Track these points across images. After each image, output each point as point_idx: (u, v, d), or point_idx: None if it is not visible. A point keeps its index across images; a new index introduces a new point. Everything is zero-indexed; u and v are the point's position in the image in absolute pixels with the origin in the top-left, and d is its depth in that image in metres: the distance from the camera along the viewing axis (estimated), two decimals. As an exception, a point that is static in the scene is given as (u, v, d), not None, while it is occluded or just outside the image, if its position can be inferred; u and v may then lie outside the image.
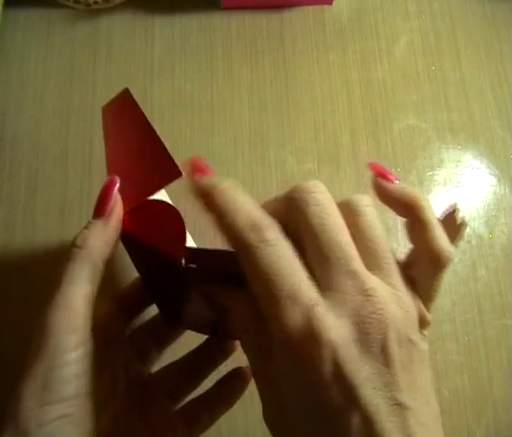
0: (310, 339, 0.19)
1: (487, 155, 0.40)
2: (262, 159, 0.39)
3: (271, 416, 0.22)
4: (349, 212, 0.23)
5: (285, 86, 0.40)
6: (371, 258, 0.22)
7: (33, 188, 0.37)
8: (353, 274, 0.21)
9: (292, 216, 0.22)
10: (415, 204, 0.23)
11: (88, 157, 0.38)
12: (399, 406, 0.19)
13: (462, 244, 0.37)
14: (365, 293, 0.20)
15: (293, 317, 0.20)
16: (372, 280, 0.21)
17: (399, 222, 0.37)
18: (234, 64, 0.41)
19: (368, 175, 0.40)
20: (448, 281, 0.36)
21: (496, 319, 0.36)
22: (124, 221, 0.26)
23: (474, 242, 0.37)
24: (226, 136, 0.39)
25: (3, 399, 0.32)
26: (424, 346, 0.21)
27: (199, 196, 0.23)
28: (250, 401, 0.33)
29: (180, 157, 0.39)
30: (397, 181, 0.25)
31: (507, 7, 0.44)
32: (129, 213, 0.26)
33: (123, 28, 0.41)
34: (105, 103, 0.37)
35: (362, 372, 0.19)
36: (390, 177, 0.25)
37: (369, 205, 0.23)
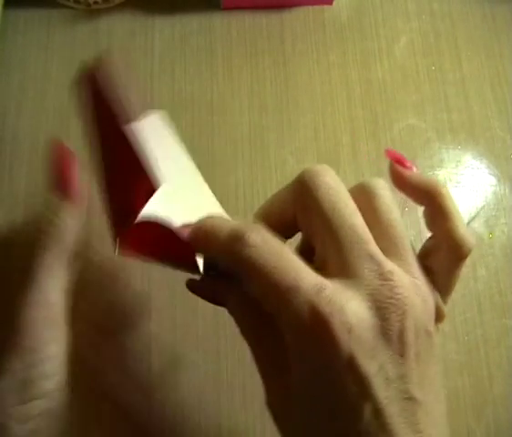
0: (320, 325, 0.18)
1: (487, 155, 0.40)
2: (262, 159, 0.39)
3: (275, 405, 0.21)
4: (363, 196, 0.22)
5: (285, 87, 0.40)
6: (388, 243, 0.20)
7: (33, 188, 0.37)
8: (370, 257, 0.19)
9: (302, 202, 0.21)
10: (436, 191, 0.22)
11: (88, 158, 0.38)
12: (411, 400, 0.18)
13: (462, 244, 0.37)
14: (383, 277, 0.19)
15: (298, 307, 0.18)
16: (389, 264, 0.20)
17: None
18: (234, 64, 0.41)
19: (368, 175, 0.40)
20: (448, 281, 0.36)
21: (496, 318, 0.36)
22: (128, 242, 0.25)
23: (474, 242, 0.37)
24: (226, 136, 0.39)
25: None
26: (437, 340, 0.20)
27: (195, 247, 0.23)
28: (251, 399, 0.33)
29: (180, 158, 0.39)
30: (414, 168, 0.24)
31: (507, 8, 0.44)
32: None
33: (123, 28, 0.41)
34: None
35: (376, 361, 0.18)
36: (407, 163, 0.24)
37: (385, 188, 0.22)
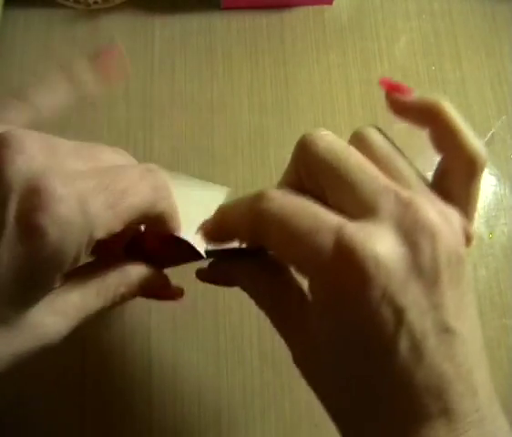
0: (346, 261, 0.17)
1: (487, 155, 0.40)
2: (262, 159, 0.39)
3: (303, 360, 0.20)
4: (360, 143, 0.22)
5: (285, 86, 0.40)
6: (397, 180, 0.20)
7: (33, 188, 0.37)
8: (385, 189, 0.18)
9: (305, 163, 0.21)
10: (439, 109, 0.21)
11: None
12: (448, 332, 0.18)
13: (462, 244, 0.37)
14: (404, 203, 0.18)
15: (322, 245, 0.18)
16: (406, 191, 0.18)
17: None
18: (234, 64, 0.41)
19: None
20: (448, 281, 0.36)
21: (496, 319, 0.36)
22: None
23: (474, 242, 0.37)
24: (226, 136, 0.39)
25: (3, 398, 0.32)
26: (468, 265, 0.19)
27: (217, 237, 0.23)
28: (251, 399, 0.33)
29: (180, 157, 0.39)
30: (412, 93, 0.23)
31: (508, 7, 0.44)
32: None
33: (123, 28, 0.41)
34: (104, 102, 0.37)
35: (409, 292, 0.17)
36: (404, 89, 0.24)
37: (378, 133, 0.22)
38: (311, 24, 0.42)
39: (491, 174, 0.39)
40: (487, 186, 0.39)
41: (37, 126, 0.24)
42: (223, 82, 0.40)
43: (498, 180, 0.39)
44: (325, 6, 0.43)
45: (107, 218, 0.18)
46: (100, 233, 0.18)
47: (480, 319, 0.35)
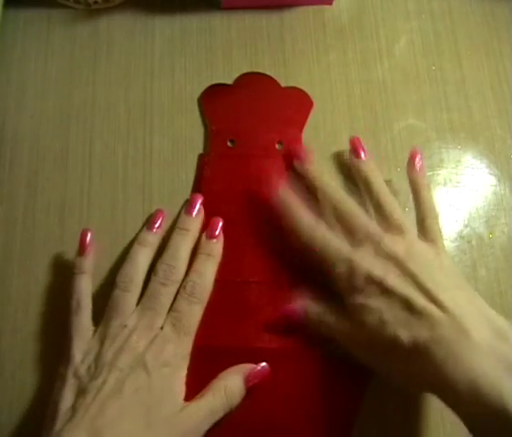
0: (350, 268, 0.31)
1: (487, 155, 0.40)
2: (262, 159, 0.39)
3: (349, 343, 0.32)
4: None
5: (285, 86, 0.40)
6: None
7: (33, 188, 0.37)
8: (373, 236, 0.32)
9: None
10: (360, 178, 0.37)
11: (88, 157, 0.38)
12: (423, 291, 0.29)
13: (462, 244, 0.37)
14: (378, 241, 0.32)
15: (341, 265, 0.32)
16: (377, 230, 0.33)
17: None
18: (234, 63, 0.41)
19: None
20: (448, 281, 0.36)
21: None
22: None
23: (474, 242, 0.37)
24: (226, 136, 0.39)
25: (3, 397, 0.32)
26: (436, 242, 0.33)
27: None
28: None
29: (180, 157, 0.39)
30: (363, 155, 0.36)
31: (508, 7, 0.44)
32: None
33: (123, 28, 0.41)
34: (104, 102, 0.37)
35: (384, 270, 0.31)
36: (360, 151, 0.37)
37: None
38: (311, 24, 0.42)
39: (491, 174, 0.39)
40: (487, 186, 0.39)
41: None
42: (223, 82, 0.40)
43: (498, 180, 0.39)
44: (325, 6, 0.43)
45: None
46: None
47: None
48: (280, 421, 0.32)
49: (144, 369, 0.29)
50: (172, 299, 0.32)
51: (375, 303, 0.29)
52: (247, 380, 0.31)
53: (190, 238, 0.34)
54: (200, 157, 0.38)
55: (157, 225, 0.35)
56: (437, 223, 0.34)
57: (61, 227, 0.36)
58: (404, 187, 0.38)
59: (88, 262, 0.34)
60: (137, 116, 0.39)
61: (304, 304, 0.33)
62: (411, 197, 0.38)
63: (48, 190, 0.37)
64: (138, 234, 0.35)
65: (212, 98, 0.39)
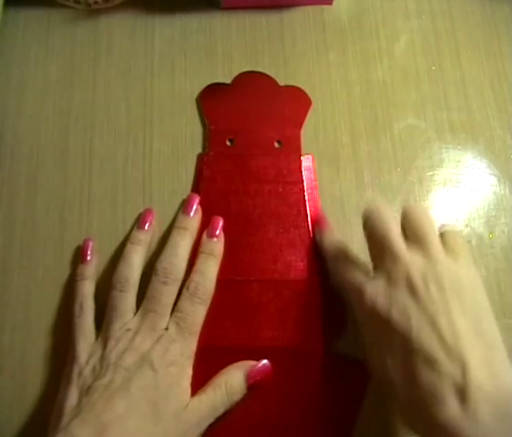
0: (360, 301, 0.29)
1: (487, 155, 0.40)
2: (262, 159, 0.39)
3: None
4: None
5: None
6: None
7: (33, 188, 0.37)
8: (393, 252, 0.29)
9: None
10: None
11: (88, 157, 0.38)
12: (430, 323, 0.26)
13: (462, 244, 0.37)
14: (396, 257, 0.29)
15: (352, 295, 0.30)
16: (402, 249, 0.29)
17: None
18: (234, 63, 0.41)
19: (368, 175, 0.40)
20: (448, 281, 0.36)
21: (496, 318, 0.35)
22: None
23: (474, 242, 0.37)
24: (226, 136, 0.39)
25: (3, 397, 0.32)
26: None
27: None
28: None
29: (180, 157, 0.39)
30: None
31: (508, 7, 0.44)
32: None
33: (123, 28, 0.41)
34: (104, 103, 0.37)
35: (391, 302, 0.27)
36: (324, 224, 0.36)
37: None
38: (311, 24, 0.42)
39: (491, 174, 0.39)
40: (487, 186, 0.39)
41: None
42: (223, 81, 0.40)
43: (498, 180, 0.39)
44: (325, 6, 0.43)
45: None
46: None
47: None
48: (281, 420, 0.32)
49: (150, 367, 0.29)
50: (174, 298, 0.32)
51: (379, 346, 0.28)
52: (248, 376, 0.31)
53: (189, 237, 0.34)
54: (200, 156, 0.38)
55: (147, 223, 0.35)
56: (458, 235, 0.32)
57: (61, 227, 0.36)
58: (404, 187, 0.38)
59: (90, 269, 0.34)
60: (137, 117, 0.39)
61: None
62: (411, 197, 0.38)
63: (48, 190, 0.37)
64: (129, 234, 0.36)
65: (211, 98, 0.39)
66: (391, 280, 0.28)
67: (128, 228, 0.36)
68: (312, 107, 0.40)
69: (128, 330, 0.31)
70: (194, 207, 0.35)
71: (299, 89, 0.40)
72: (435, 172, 0.39)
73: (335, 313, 0.34)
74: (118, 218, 0.37)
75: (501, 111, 0.41)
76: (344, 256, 0.32)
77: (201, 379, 0.32)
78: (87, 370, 0.30)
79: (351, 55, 0.42)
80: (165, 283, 0.32)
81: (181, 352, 0.30)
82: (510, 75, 0.42)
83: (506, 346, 0.35)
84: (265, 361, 0.33)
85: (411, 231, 0.30)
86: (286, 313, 0.34)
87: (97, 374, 0.29)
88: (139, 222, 0.35)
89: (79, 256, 0.35)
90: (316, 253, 0.35)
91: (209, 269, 0.33)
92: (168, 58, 0.41)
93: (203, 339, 0.33)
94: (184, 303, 0.32)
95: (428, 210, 0.32)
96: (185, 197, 0.37)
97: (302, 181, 0.37)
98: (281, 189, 0.37)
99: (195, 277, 0.33)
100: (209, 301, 0.33)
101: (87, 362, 0.30)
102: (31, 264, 0.35)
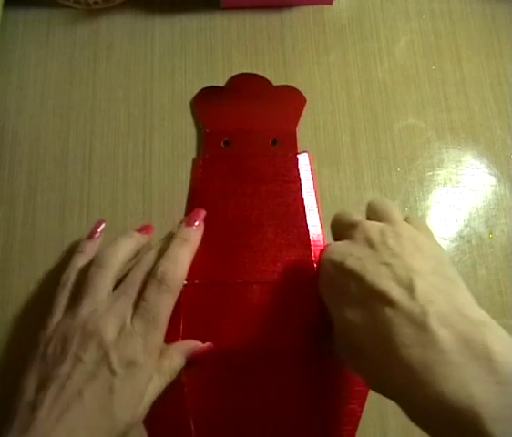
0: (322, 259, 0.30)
1: (487, 155, 0.40)
2: (262, 159, 0.39)
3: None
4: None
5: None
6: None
7: (33, 188, 0.37)
8: (356, 224, 0.29)
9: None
10: None
11: (88, 157, 0.38)
12: (384, 264, 0.26)
13: (462, 244, 0.37)
14: (358, 223, 0.30)
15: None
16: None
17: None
18: (234, 64, 0.41)
19: (368, 175, 0.40)
20: (448, 281, 0.36)
21: (496, 319, 0.35)
22: None
23: (474, 242, 0.37)
24: (226, 136, 0.39)
25: (2, 397, 0.32)
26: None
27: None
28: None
29: (180, 157, 0.39)
30: None
31: (508, 8, 0.44)
32: None
33: (123, 28, 0.41)
34: (104, 103, 0.37)
35: (348, 254, 0.28)
36: None
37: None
38: (311, 24, 0.42)
39: (491, 174, 0.39)
40: (487, 186, 0.39)
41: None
42: (223, 82, 0.40)
43: (498, 180, 0.39)
44: (325, 6, 0.43)
45: None
46: None
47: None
48: (280, 421, 0.32)
49: (108, 368, 0.28)
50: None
51: (336, 290, 0.28)
52: (190, 358, 0.32)
53: (189, 248, 0.32)
54: (195, 160, 0.38)
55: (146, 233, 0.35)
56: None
57: (61, 227, 0.36)
58: (404, 187, 0.38)
59: (92, 246, 0.34)
60: (136, 117, 0.39)
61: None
62: (411, 197, 0.38)
63: (48, 190, 0.37)
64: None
65: (204, 101, 0.39)
66: (350, 240, 0.29)
67: (127, 228, 0.36)
68: (310, 107, 0.40)
69: (96, 310, 0.29)
70: (198, 221, 0.34)
71: (293, 88, 0.40)
72: (435, 172, 0.39)
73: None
74: (118, 218, 0.37)
75: (501, 111, 0.41)
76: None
77: (206, 382, 0.32)
78: (50, 350, 0.29)
79: (351, 56, 0.42)
80: (160, 282, 0.30)
81: (144, 349, 0.29)
82: (510, 75, 0.42)
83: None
84: (209, 344, 0.33)
85: (375, 214, 0.30)
86: (286, 314, 0.34)
87: (57, 358, 0.28)
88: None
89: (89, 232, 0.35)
90: (315, 253, 0.35)
91: (182, 256, 0.31)
92: (167, 59, 0.41)
93: (204, 341, 0.33)
94: (150, 292, 0.29)
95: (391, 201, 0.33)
96: (185, 197, 0.37)
97: (300, 179, 0.37)
98: (278, 189, 0.37)
99: (164, 261, 0.30)
100: (177, 291, 0.31)
101: (51, 339, 0.29)
102: (31, 264, 0.35)
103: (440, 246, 0.29)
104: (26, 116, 0.39)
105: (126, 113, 0.39)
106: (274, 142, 0.38)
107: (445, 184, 0.39)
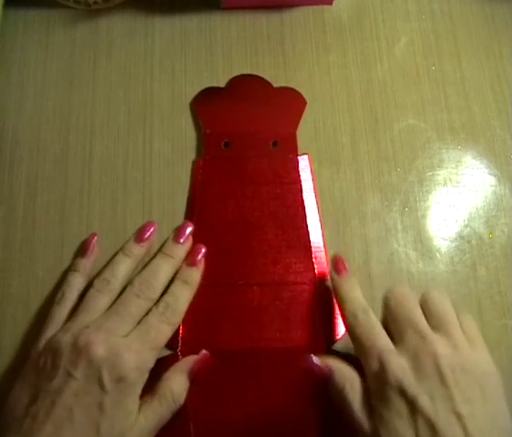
0: (382, 371, 0.28)
1: (487, 155, 0.40)
2: (262, 159, 0.39)
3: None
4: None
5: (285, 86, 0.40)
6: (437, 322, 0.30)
7: (33, 188, 0.37)
8: (418, 331, 0.29)
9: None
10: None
11: (88, 158, 0.38)
12: (456, 414, 0.26)
13: (462, 244, 0.37)
14: (422, 337, 0.29)
15: (372, 362, 0.29)
16: (429, 331, 0.29)
17: (399, 223, 0.37)
18: (234, 64, 0.41)
19: (368, 175, 0.40)
20: (448, 281, 0.36)
21: (496, 319, 0.36)
22: None
23: (474, 242, 0.37)
24: (226, 136, 0.39)
25: (2, 397, 0.32)
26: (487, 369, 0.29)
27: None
28: (251, 401, 0.32)
29: (180, 157, 0.39)
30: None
31: (507, 8, 0.44)
32: None
33: (123, 28, 0.41)
34: (104, 103, 0.37)
35: (419, 387, 0.27)
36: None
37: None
38: (311, 24, 0.42)
39: (491, 174, 0.39)
40: (487, 186, 0.39)
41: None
42: (223, 82, 0.40)
43: (498, 180, 0.39)
44: (325, 6, 0.43)
45: None
46: None
47: (480, 318, 0.35)
48: (284, 419, 0.32)
49: (98, 384, 0.28)
50: (142, 314, 0.32)
51: (399, 425, 0.27)
52: (191, 373, 0.31)
53: (172, 265, 0.34)
54: (195, 161, 0.38)
55: (145, 237, 0.35)
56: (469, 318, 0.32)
57: (61, 227, 0.36)
58: (404, 187, 0.38)
59: (85, 264, 0.34)
60: (137, 117, 0.39)
61: (332, 366, 0.31)
62: (411, 197, 0.38)
63: (48, 190, 0.37)
64: (124, 244, 0.35)
65: (204, 103, 0.39)
66: (418, 362, 0.28)
67: (127, 228, 0.36)
68: (310, 107, 0.40)
69: (87, 327, 0.30)
70: (185, 236, 0.35)
71: (293, 90, 0.40)
72: (435, 172, 0.39)
73: (335, 313, 0.34)
74: (118, 218, 0.37)
75: (501, 111, 0.41)
76: (366, 316, 0.31)
77: (206, 382, 0.32)
78: (41, 365, 0.29)
79: (351, 56, 0.42)
80: (138, 296, 0.32)
81: (136, 366, 0.29)
82: (510, 75, 0.42)
83: (505, 346, 0.35)
84: (204, 352, 0.32)
85: (433, 317, 0.30)
86: (287, 315, 0.34)
87: (47, 373, 0.28)
88: (138, 235, 0.35)
89: (81, 248, 0.35)
90: (315, 254, 0.35)
91: (183, 296, 0.33)
92: (167, 59, 0.41)
93: (205, 343, 0.33)
94: (151, 318, 0.31)
95: (446, 296, 0.31)
96: (185, 197, 0.37)
97: (300, 181, 0.37)
98: (278, 190, 0.37)
99: (167, 297, 0.32)
100: (176, 326, 0.32)
101: (43, 353, 0.29)
102: (31, 264, 0.35)
103: (494, 368, 0.30)
104: (26, 116, 0.39)
105: (126, 112, 0.39)
106: (274, 144, 0.38)
107: (445, 184, 0.39)
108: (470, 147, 0.40)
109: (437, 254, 0.37)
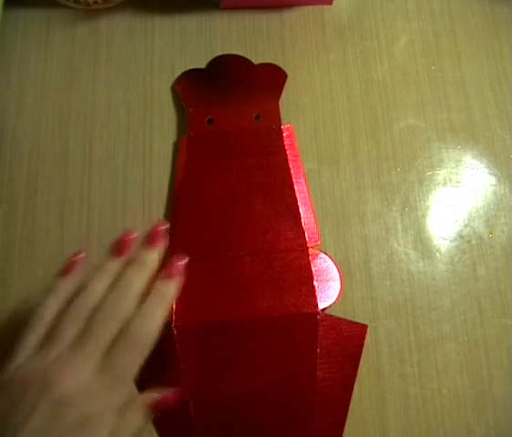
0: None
1: (487, 155, 0.40)
2: (262, 159, 0.39)
3: None
4: None
5: (285, 86, 0.40)
6: None
7: (33, 188, 0.37)
8: None
9: None
10: None
11: (88, 157, 0.38)
12: None
13: (462, 244, 0.37)
14: None
15: None
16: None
17: (399, 222, 0.37)
18: (234, 64, 0.41)
19: (368, 175, 0.40)
20: (448, 281, 0.36)
21: (496, 319, 0.36)
22: None
23: (474, 242, 0.37)
24: (226, 136, 0.39)
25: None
26: None
27: None
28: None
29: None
30: None
31: (507, 8, 0.44)
32: None
33: (123, 28, 0.41)
34: (104, 103, 0.37)
35: None
36: None
37: None
38: (311, 24, 0.42)
39: (491, 174, 0.39)
40: (487, 186, 0.39)
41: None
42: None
43: (498, 180, 0.39)
44: (325, 6, 0.43)
45: None
46: None
47: (480, 318, 0.35)
48: (281, 387, 0.33)
49: (64, 422, 0.26)
50: (112, 338, 0.28)
51: None
52: (153, 409, 0.29)
53: (145, 273, 0.30)
54: (180, 140, 0.38)
55: (124, 251, 0.31)
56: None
57: (61, 227, 0.36)
58: (404, 187, 0.38)
59: (67, 286, 0.30)
60: (137, 117, 0.39)
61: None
62: (411, 197, 0.38)
63: (48, 190, 0.37)
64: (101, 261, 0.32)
65: (187, 83, 0.40)
66: None
67: (127, 228, 0.36)
68: (310, 107, 0.40)
69: (58, 358, 0.27)
70: (156, 238, 0.32)
71: (274, 65, 0.40)
72: (435, 172, 0.39)
73: (327, 277, 0.35)
74: (118, 218, 0.37)
75: (501, 111, 0.41)
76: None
77: (202, 356, 0.32)
78: (7, 391, 0.27)
79: (351, 56, 0.42)
80: (108, 319, 0.29)
81: (106, 404, 0.27)
82: (510, 75, 0.42)
83: (505, 346, 0.35)
84: (172, 390, 0.30)
85: None
86: (280, 283, 0.34)
87: (13, 405, 0.26)
88: (115, 249, 0.32)
89: (65, 265, 0.31)
90: (304, 220, 0.36)
91: (156, 315, 0.29)
92: (167, 58, 0.41)
93: (199, 316, 0.33)
94: (118, 353, 0.28)
95: None
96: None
97: (285, 150, 0.38)
98: (264, 161, 0.37)
99: (137, 321, 0.28)
100: (148, 350, 0.28)
101: (10, 382, 0.27)
102: (31, 264, 0.35)
103: None
104: (26, 116, 0.39)
105: (126, 112, 0.39)
106: (257, 117, 0.39)
107: (445, 184, 0.39)
108: (470, 146, 0.40)
109: (437, 254, 0.37)
